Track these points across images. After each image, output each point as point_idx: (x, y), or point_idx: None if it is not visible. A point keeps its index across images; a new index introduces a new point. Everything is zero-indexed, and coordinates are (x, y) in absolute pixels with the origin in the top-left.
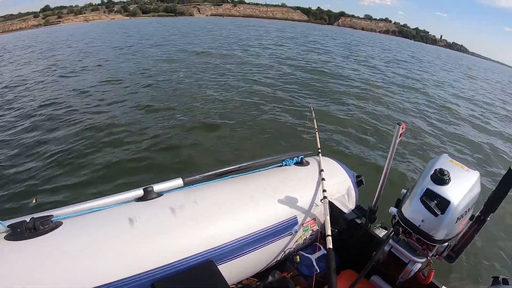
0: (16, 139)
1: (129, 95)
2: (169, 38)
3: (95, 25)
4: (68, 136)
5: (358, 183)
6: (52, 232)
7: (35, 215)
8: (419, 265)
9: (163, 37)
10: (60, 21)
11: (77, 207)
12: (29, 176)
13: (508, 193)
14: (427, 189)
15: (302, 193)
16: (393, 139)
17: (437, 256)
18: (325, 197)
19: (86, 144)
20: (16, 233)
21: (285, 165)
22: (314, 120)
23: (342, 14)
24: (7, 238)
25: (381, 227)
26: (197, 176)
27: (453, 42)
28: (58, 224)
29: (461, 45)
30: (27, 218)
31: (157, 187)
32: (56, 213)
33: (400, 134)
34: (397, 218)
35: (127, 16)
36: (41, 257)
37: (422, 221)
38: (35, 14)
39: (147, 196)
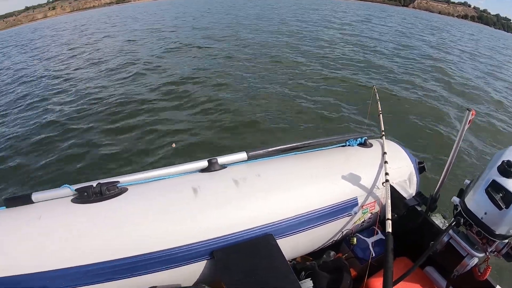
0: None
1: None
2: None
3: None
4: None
5: (420, 169)
6: (117, 197)
7: (102, 181)
8: (476, 260)
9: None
10: None
11: (143, 175)
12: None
13: None
14: (493, 181)
15: (364, 174)
16: (462, 125)
17: (495, 252)
18: (387, 181)
19: (148, 117)
20: (83, 197)
21: (349, 145)
22: (378, 102)
23: None
24: (74, 201)
25: (442, 216)
26: (261, 151)
27: None
28: (123, 190)
29: None
30: (94, 183)
31: (221, 160)
32: (122, 179)
33: (469, 120)
34: (459, 208)
35: None
36: (106, 219)
37: (485, 213)
38: None
39: (211, 167)
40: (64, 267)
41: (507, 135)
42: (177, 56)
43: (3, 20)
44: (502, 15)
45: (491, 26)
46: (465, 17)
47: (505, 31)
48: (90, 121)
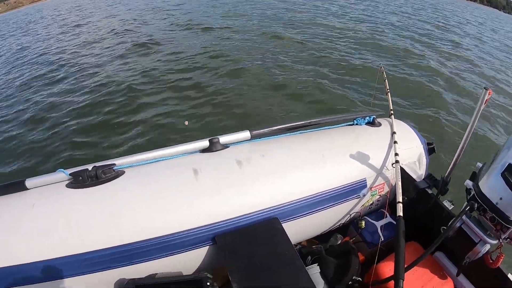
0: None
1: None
2: None
3: None
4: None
5: (429, 150)
6: (113, 181)
7: (98, 164)
8: (488, 247)
9: None
10: None
11: (140, 156)
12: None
13: None
14: (509, 165)
15: (373, 154)
16: (477, 105)
17: (508, 240)
18: (397, 161)
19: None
20: (78, 181)
21: (356, 124)
22: (386, 81)
23: None
24: (69, 186)
25: (449, 201)
26: (265, 130)
27: None
28: (120, 173)
29: None
30: (89, 167)
31: (223, 139)
32: (119, 162)
33: (486, 100)
34: (473, 192)
35: None
36: (102, 205)
37: (500, 199)
38: None
39: (212, 147)
40: (59, 256)
41: None
42: (182, 37)
43: (4, 3)
44: None
45: (500, 10)
46: None
47: None
48: (93, 100)
